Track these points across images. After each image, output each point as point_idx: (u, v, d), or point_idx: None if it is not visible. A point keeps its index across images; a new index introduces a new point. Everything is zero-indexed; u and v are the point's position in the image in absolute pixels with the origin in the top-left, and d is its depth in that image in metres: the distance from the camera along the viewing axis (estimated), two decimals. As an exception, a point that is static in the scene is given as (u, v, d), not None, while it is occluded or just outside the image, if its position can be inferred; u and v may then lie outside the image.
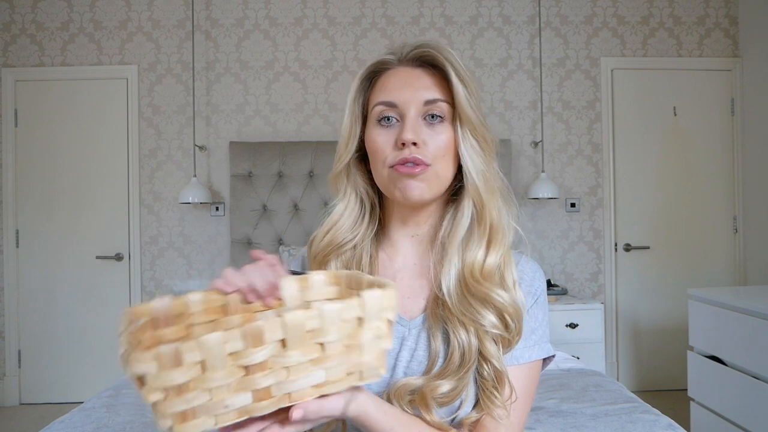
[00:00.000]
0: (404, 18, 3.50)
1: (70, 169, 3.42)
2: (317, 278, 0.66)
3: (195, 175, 3.32)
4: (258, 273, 0.65)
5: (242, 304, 0.65)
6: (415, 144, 0.72)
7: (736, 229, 3.52)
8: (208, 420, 0.49)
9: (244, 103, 3.47)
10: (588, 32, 3.54)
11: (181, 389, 0.47)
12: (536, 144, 3.49)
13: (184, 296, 0.62)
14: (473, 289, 0.73)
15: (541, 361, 0.80)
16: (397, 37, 3.48)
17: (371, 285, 0.61)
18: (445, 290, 0.74)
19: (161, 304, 0.60)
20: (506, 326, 0.72)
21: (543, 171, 3.38)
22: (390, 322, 0.56)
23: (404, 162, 0.73)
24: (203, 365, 0.47)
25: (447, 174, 0.76)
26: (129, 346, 0.50)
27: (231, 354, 0.48)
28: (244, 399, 0.50)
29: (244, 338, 0.48)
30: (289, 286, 0.65)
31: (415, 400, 0.70)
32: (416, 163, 0.73)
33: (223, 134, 3.46)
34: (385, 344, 0.56)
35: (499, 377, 0.72)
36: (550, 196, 3.23)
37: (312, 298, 0.69)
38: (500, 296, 0.72)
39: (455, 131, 0.75)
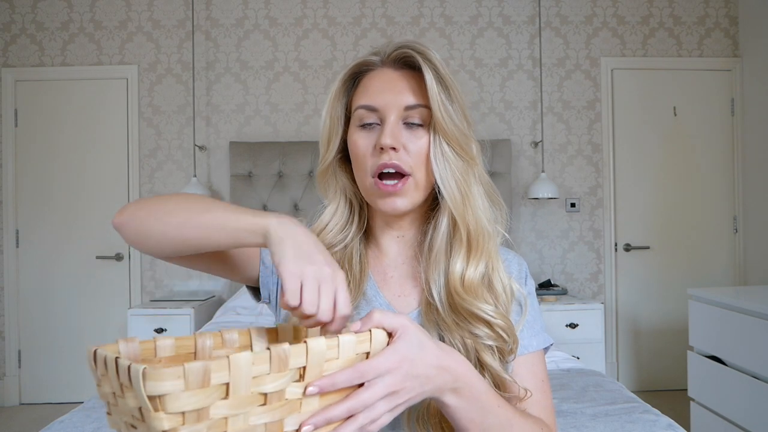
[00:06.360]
0: (404, 18, 3.50)
1: (70, 169, 3.41)
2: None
3: (195, 175, 3.32)
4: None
5: (214, 351, 0.62)
6: (394, 149, 0.72)
7: (736, 229, 3.52)
8: None
9: (244, 103, 3.47)
10: (588, 32, 3.54)
11: (200, 415, 0.44)
12: (536, 144, 3.49)
13: (153, 340, 0.58)
14: (458, 305, 0.72)
15: (543, 351, 0.80)
16: (397, 37, 3.48)
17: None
18: (436, 296, 0.74)
19: (128, 346, 0.55)
20: (500, 336, 0.71)
21: (543, 171, 3.38)
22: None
23: (384, 167, 0.72)
24: (227, 388, 0.46)
25: (427, 182, 0.75)
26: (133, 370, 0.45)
27: (255, 377, 0.47)
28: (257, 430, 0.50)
29: (270, 360, 0.47)
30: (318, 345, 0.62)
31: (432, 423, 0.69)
32: (395, 169, 0.72)
33: (223, 134, 3.46)
34: None
35: (502, 384, 0.71)
36: (550, 196, 3.23)
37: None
38: (485, 311, 0.71)
39: (429, 138, 0.74)
